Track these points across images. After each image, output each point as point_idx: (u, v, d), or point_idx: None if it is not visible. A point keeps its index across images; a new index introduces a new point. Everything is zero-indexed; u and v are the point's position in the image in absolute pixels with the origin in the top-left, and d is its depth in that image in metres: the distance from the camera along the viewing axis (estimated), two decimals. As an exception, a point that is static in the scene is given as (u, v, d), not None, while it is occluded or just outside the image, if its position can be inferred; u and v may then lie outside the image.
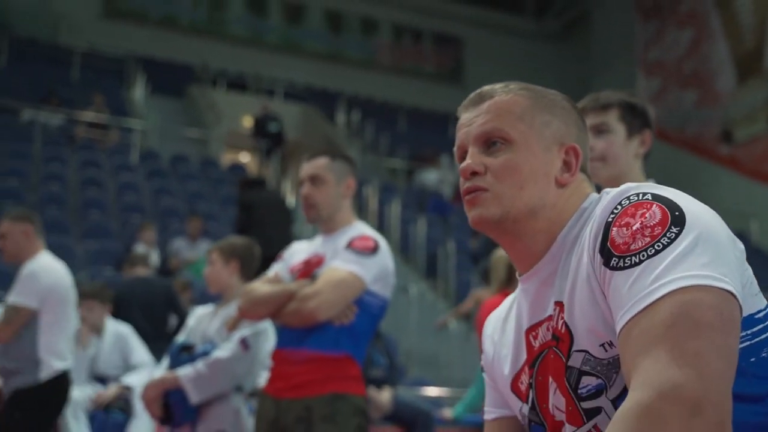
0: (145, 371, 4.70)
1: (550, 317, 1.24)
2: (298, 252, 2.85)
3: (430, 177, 13.69)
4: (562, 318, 1.19)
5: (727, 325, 1.00)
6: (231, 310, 3.36)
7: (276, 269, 2.83)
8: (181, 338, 3.51)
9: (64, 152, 11.28)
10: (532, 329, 1.28)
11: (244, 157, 16.15)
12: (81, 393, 4.54)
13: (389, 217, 11.63)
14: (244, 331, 3.23)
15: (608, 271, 1.08)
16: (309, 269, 2.70)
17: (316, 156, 2.78)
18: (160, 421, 3.26)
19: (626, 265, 1.06)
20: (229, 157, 14.80)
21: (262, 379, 3.83)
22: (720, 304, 1.01)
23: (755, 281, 1.15)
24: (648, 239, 1.06)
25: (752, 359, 1.09)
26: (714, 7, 15.65)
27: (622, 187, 1.16)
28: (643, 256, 1.05)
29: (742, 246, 1.13)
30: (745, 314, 1.09)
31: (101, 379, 4.74)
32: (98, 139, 12.05)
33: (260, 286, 2.69)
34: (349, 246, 2.65)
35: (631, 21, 17.79)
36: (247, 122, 14.24)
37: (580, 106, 2.34)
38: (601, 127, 2.30)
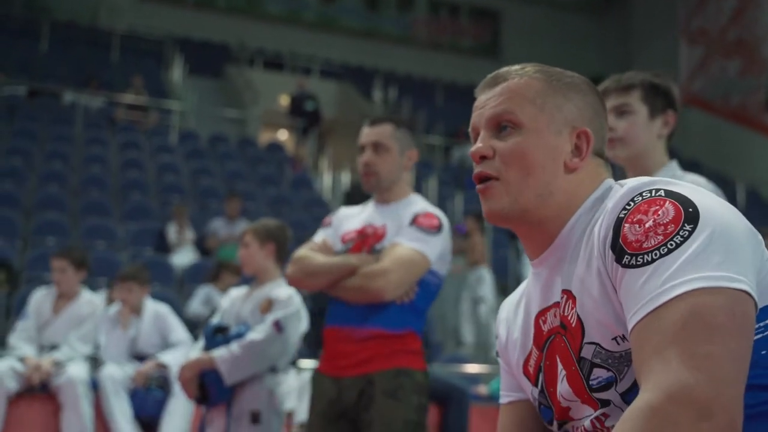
0: (181, 349, 4.79)
1: (557, 304, 1.23)
2: (348, 218, 2.74)
3: (467, 153, 13.60)
4: (573, 308, 1.18)
5: (740, 327, 0.99)
6: (265, 292, 3.40)
7: (324, 235, 2.73)
8: (215, 320, 3.56)
9: (105, 134, 11.44)
10: (541, 314, 1.28)
11: (282, 135, 16.23)
12: (122, 372, 4.65)
13: (427, 194, 11.60)
14: (278, 313, 3.27)
15: (620, 268, 1.07)
16: (365, 241, 2.62)
17: (380, 122, 2.67)
18: (196, 400, 3.32)
19: (639, 263, 1.05)
20: (266, 136, 14.89)
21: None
22: (733, 306, 0.99)
23: None
24: (661, 237, 1.04)
25: (763, 352, 1.07)
26: (758, -27, 15.25)
27: (635, 182, 1.14)
28: (656, 254, 1.03)
29: (760, 237, 1.11)
30: (761, 305, 1.07)
31: (141, 358, 4.83)
32: (138, 121, 12.20)
33: (315, 255, 2.59)
34: (414, 222, 2.57)
35: (673, -10, 17.42)
36: (284, 101, 14.29)
37: (602, 88, 2.32)
38: (622, 108, 2.28)
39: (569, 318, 1.19)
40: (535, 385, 1.30)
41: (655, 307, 1.01)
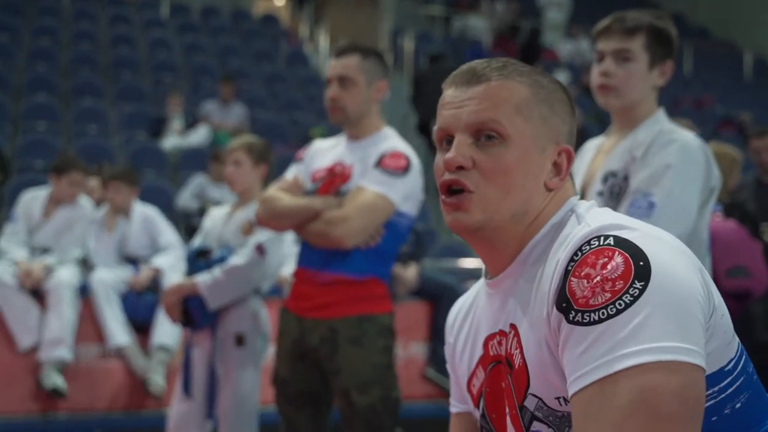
0: (172, 253, 4.80)
1: (504, 333, 1.18)
2: (320, 154, 2.68)
3: (470, 24, 13.18)
4: (519, 349, 1.12)
5: (690, 414, 0.94)
6: (247, 213, 3.35)
7: (295, 171, 2.68)
8: (197, 241, 3.54)
9: (93, 8, 11.07)
10: (490, 338, 1.23)
11: (279, 1, 15.70)
12: (112, 275, 4.68)
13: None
14: (260, 236, 3.22)
15: (567, 324, 1.00)
16: (333, 181, 2.57)
17: (346, 53, 2.56)
18: (180, 324, 3.35)
19: (585, 321, 0.98)
20: (261, 6, 14.40)
21: (286, 270, 3.89)
22: (684, 389, 0.93)
23: (730, 325, 1.07)
24: (609, 295, 0.97)
25: (714, 418, 1.04)
26: None
27: (586, 230, 1.05)
28: (603, 314, 0.96)
29: (714, 288, 1.05)
30: (715, 369, 1.03)
31: (131, 261, 4.85)
32: (127, -8, 11.77)
33: (282, 196, 2.53)
34: (380, 164, 2.50)
35: None
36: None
37: (604, 26, 2.18)
38: (624, 54, 2.16)
39: (514, 357, 1.13)
40: (477, 407, 1.27)
41: (600, 378, 0.95)
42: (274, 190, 2.59)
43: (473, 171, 1.14)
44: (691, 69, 13.57)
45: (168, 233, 4.92)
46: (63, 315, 4.40)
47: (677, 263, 1.00)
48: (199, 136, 8.07)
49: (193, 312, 3.23)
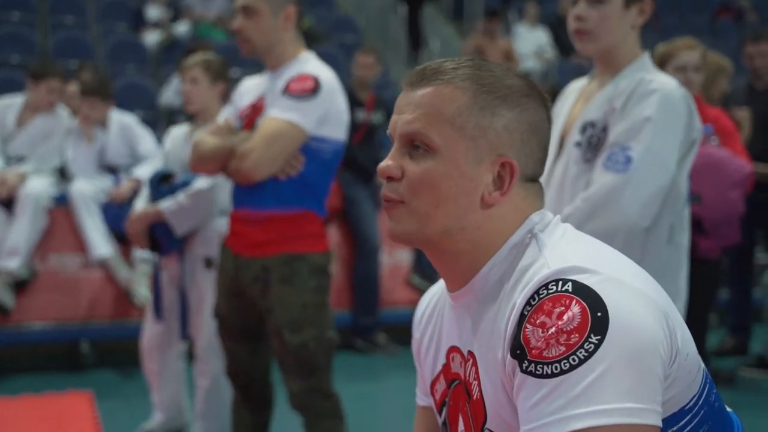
0: (152, 162, 4.72)
1: (463, 355, 1.15)
2: (246, 92, 2.64)
3: None
4: (477, 380, 1.10)
5: None
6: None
7: (227, 114, 2.65)
8: (159, 165, 3.48)
9: None
10: (452, 350, 1.20)
11: None
12: (92, 186, 4.63)
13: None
14: None
15: (520, 372, 0.98)
16: (254, 116, 2.52)
17: None
18: (149, 250, 3.34)
19: (538, 373, 0.95)
20: None
21: None
22: None
23: (695, 361, 1.05)
24: (563, 348, 0.93)
25: None
26: None
27: (545, 272, 1.01)
28: (557, 368, 0.93)
29: (679, 329, 1.02)
30: (675, 410, 1.02)
31: (111, 170, 4.78)
32: None
33: (206, 140, 2.49)
34: (286, 91, 2.44)
35: None
36: None
37: None
38: None
39: (472, 387, 1.12)
40: (439, 413, 1.25)
41: None
42: (201, 135, 2.57)
43: (403, 182, 1.10)
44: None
45: (147, 141, 4.84)
46: (24, 227, 4.39)
47: (638, 311, 0.96)
48: (181, 28, 7.82)
49: (159, 238, 3.24)
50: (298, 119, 2.40)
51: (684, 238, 2.13)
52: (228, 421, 3.37)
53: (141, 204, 3.35)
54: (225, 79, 3.34)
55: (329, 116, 2.47)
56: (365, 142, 5.22)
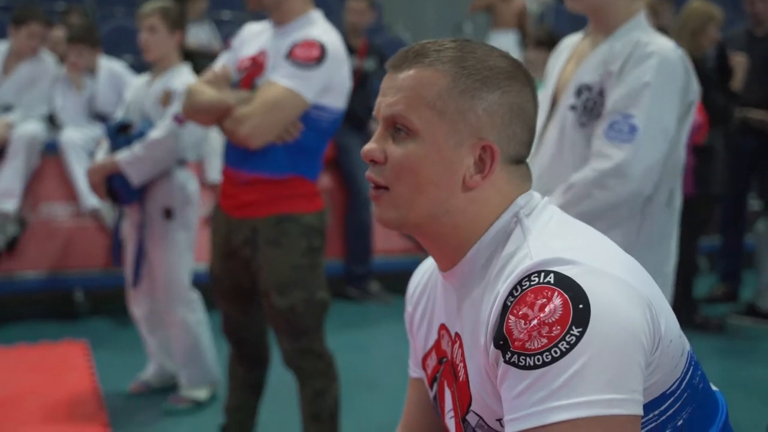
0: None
1: (451, 337, 1.17)
2: (248, 41, 2.56)
3: None
4: (464, 367, 1.12)
5: None
6: (165, 82, 3.32)
7: (224, 61, 2.58)
8: (119, 115, 3.50)
9: None
10: (443, 327, 1.21)
11: None
12: (81, 134, 4.60)
13: None
14: (177, 105, 3.10)
15: (503, 363, 0.99)
16: (253, 73, 2.46)
17: None
18: (109, 201, 3.39)
19: (521, 364, 0.96)
20: None
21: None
22: None
23: (680, 345, 1.06)
24: (545, 341, 0.95)
25: None
26: None
27: (528, 263, 1.01)
28: (539, 360, 0.95)
29: (665, 314, 1.03)
30: (656, 395, 1.04)
31: (101, 118, 4.73)
32: None
33: (204, 90, 2.41)
34: (290, 56, 2.38)
35: None
36: None
37: None
38: None
39: (459, 370, 1.13)
40: (431, 388, 1.27)
41: (533, 427, 0.95)
42: (196, 83, 2.51)
43: (387, 166, 1.11)
44: None
45: (136, 89, 4.76)
46: (18, 168, 4.39)
47: (619, 302, 0.97)
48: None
49: (118, 190, 3.28)
50: (300, 88, 2.35)
51: (678, 201, 2.13)
52: (212, 366, 3.45)
53: (101, 155, 3.37)
54: (183, 27, 3.33)
55: (332, 86, 2.42)
56: (358, 89, 5.14)
